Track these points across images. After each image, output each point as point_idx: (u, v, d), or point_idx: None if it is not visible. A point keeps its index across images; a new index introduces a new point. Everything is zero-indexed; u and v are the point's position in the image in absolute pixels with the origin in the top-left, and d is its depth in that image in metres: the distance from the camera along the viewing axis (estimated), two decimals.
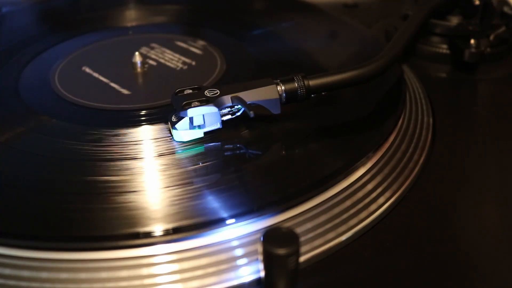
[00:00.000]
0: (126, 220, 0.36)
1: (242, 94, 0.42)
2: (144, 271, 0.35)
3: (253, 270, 0.35)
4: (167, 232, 0.35)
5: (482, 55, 0.56)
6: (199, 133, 0.43)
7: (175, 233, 0.35)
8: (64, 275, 0.34)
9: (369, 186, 0.41)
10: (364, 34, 0.60)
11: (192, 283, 0.35)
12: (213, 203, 0.37)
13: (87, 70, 0.54)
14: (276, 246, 0.31)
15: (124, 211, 0.37)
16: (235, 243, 0.36)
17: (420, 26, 0.54)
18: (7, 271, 0.35)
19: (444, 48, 0.58)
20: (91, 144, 0.43)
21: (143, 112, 0.47)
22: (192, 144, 0.43)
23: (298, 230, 0.36)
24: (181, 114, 0.42)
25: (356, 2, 0.73)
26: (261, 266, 0.33)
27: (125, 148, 0.43)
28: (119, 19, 0.66)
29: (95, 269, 0.35)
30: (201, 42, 0.58)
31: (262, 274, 0.33)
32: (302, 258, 0.36)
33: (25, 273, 0.35)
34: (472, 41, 0.55)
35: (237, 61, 0.54)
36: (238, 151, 0.43)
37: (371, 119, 0.46)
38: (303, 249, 0.36)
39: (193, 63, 0.55)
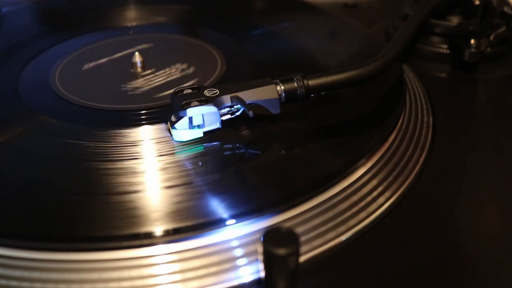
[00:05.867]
0: (126, 221, 0.36)
1: (241, 94, 0.42)
2: (145, 271, 0.35)
3: (253, 270, 0.35)
4: (167, 233, 0.35)
5: (482, 55, 0.56)
6: (198, 133, 0.43)
7: (175, 233, 0.35)
8: (64, 276, 0.34)
9: (369, 186, 0.41)
10: (364, 34, 0.60)
11: (193, 283, 0.35)
12: (213, 203, 0.37)
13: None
14: (276, 246, 0.31)
15: (124, 212, 0.37)
16: (235, 243, 0.36)
17: (420, 26, 0.54)
18: (6, 272, 0.35)
19: (444, 48, 0.58)
20: (91, 144, 0.43)
21: (143, 112, 0.47)
22: (191, 144, 0.43)
23: (298, 230, 0.36)
24: (181, 113, 0.42)
25: (356, 2, 0.73)
26: (261, 266, 0.33)
27: (125, 148, 0.43)
28: (119, 19, 0.66)
29: (95, 269, 0.35)
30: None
31: (262, 274, 0.33)
32: (302, 258, 0.36)
33: (25, 274, 0.35)
34: (472, 41, 0.55)
35: (237, 61, 0.54)
36: (237, 151, 0.42)
37: (371, 119, 0.46)
38: (303, 249, 0.36)
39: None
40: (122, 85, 0.51)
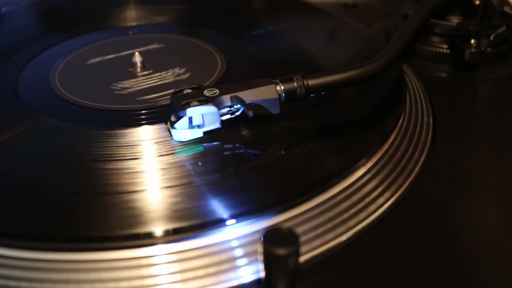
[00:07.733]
0: (126, 221, 0.36)
1: (241, 94, 0.42)
2: (145, 271, 0.35)
3: (253, 270, 0.35)
4: (167, 233, 0.35)
5: (482, 55, 0.56)
6: (198, 133, 0.43)
7: (175, 233, 0.35)
8: (64, 276, 0.34)
9: (369, 186, 0.41)
10: (364, 34, 0.60)
11: (193, 284, 0.35)
12: (213, 203, 0.37)
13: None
14: (276, 246, 0.31)
15: (124, 212, 0.37)
16: (235, 243, 0.36)
17: (420, 26, 0.54)
18: (6, 272, 0.35)
19: (444, 48, 0.58)
20: (91, 144, 0.43)
21: (143, 112, 0.47)
22: (191, 144, 0.43)
23: (298, 230, 0.36)
24: (180, 113, 0.42)
25: (356, 2, 0.73)
26: (261, 266, 0.33)
27: (125, 148, 0.43)
28: (119, 19, 0.66)
29: (95, 269, 0.35)
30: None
31: (262, 274, 0.33)
32: (302, 258, 0.36)
33: (25, 274, 0.35)
34: (472, 41, 0.55)
35: (237, 61, 0.54)
36: (237, 151, 0.42)
37: (371, 119, 0.46)
38: (303, 249, 0.36)
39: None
40: (122, 85, 0.51)
